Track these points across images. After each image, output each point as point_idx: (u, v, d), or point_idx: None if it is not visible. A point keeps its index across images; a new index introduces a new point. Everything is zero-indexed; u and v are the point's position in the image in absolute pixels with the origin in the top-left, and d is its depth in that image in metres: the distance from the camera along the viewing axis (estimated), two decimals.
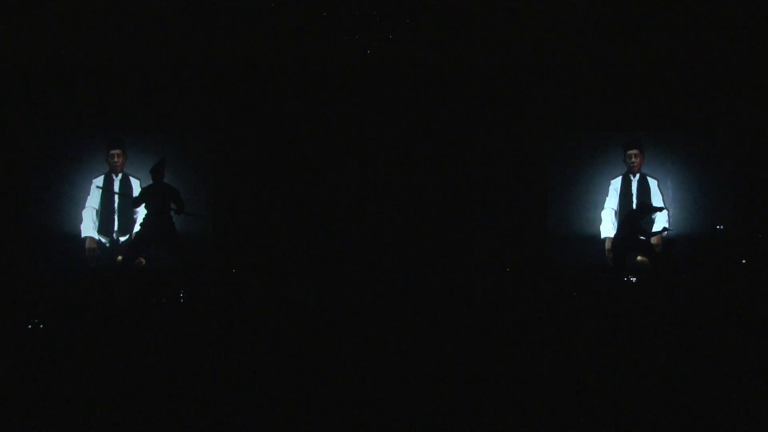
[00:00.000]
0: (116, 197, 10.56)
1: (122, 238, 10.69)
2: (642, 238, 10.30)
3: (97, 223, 10.69)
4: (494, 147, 10.64)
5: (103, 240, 10.69)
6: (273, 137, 10.67)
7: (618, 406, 4.55)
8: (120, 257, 10.49)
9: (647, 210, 10.55)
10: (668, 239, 9.88)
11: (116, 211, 10.70)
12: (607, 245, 10.66)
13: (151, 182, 10.09)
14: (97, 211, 10.69)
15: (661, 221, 10.60)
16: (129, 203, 10.43)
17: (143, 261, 10.63)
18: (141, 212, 10.30)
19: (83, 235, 10.65)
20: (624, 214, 10.62)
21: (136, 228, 10.28)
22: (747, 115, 10.49)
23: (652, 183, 10.67)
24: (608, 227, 10.70)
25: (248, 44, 9.95)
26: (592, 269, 9.88)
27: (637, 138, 10.72)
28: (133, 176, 10.76)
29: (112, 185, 10.73)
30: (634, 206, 10.63)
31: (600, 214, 10.73)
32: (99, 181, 10.74)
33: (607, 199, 10.74)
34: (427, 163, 10.67)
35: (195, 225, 10.45)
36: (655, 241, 10.49)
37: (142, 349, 5.19)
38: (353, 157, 10.62)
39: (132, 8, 9.21)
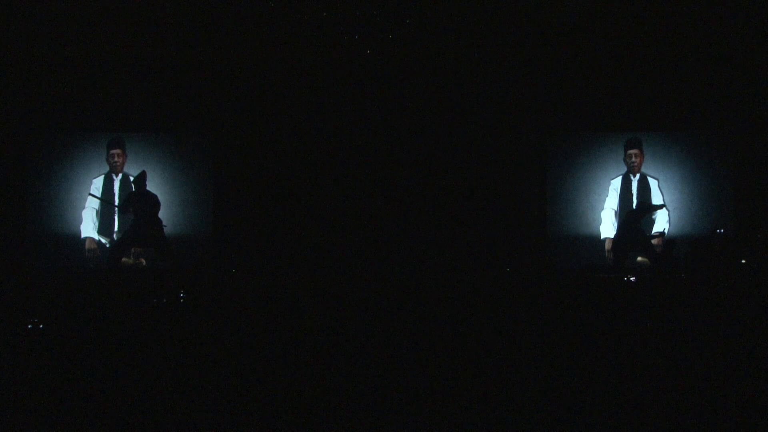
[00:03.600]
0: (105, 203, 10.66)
1: None
2: (642, 237, 10.32)
3: (97, 224, 10.69)
4: (494, 147, 10.64)
5: (103, 240, 10.69)
6: (273, 137, 10.67)
7: (618, 406, 4.54)
8: (125, 258, 10.63)
9: (647, 209, 10.55)
10: (668, 239, 9.88)
11: (116, 212, 10.71)
12: (607, 245, 10.66)
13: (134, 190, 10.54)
14: (97, 212, 10.69)
15: (661, 221, 10.61)
16: (114, 210, 10.62)
17: (144, 261, 10.66)
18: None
19: (83, 235, 10.66)
20: (624, 214, 10.63)
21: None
22: (747, 115, 10.49)
23: (653, 183, 10.68)
24: (608, 227, 10.70)
25: (248, 44, 9.95)
26: (592, 269, 9.88)
27: (637, 138, 10.73)
28: (133, 176, 10.76)
29: (113, 185, 10.74)
30: (635, 206, 10.63)
31: (600, 214, 10.74)
32: (99, 181, 10.75)
33: (607, 199, 10.74)
34: (426, 163, 10.67)
35: (194, 225, 10.56)
36: (655, 242, 10.49)
37: (142, 349, 5.18)
38: (353, 156, 10.62)
39: (132, 8, 9.22)
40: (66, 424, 4.40)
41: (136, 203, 10.52)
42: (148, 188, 10.62)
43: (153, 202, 10.53)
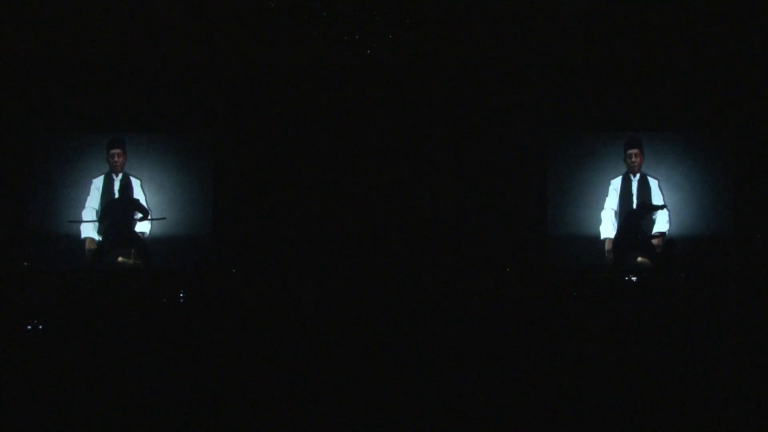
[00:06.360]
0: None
1: None
2: (642, 237, 10.33)
3: (97, 224, 10.69)
4: (494, 147, 10.65)
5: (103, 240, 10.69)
6: (273, 137, 10.68)
7: (618, 406, 4.54)
8: (123, 258, 10.65)
9: (648, 209, 10.56)
10: (668, 239, 9.90)
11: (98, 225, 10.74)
12: (607, 246, 10.66)
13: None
14: (97, 212, 10.70)
15: (661, 221, 10.61)
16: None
17: (142, 262, 10.66)
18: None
19: (83, 235, 10.66)
20: (624, 214, 10.63)
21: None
22: (747, 115, 10.50)
23: (653, 183, 10.68)
24: (608, 227, 10.70)
25: (248, 44, 9.95)
26: (592, 270, 9.88)
27: (637, 138, 10.73)
28: (133, 176, 10.77)
29: (113, 185, 10.75)
30: (635, 206, 10.64)
31: (600, 214, 10.74)
32: (99, 181, 10.74)
33: (607, 199, 10.74)
34: (427, 163, 10.68)
35: (194, 225, 10.60)
36: (656, 242, 10.50)
37: (142, 349, 5.18)
38: (353, 157, 10.63)
39: (132, 8, 9.21)
40: (66, 425, 4.40)
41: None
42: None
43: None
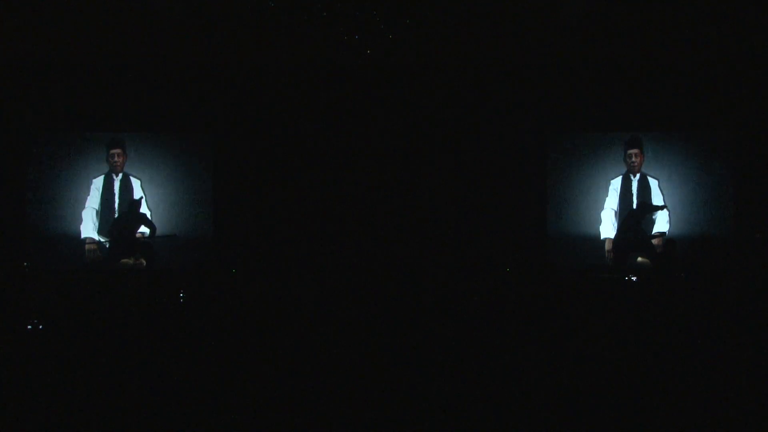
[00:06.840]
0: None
1: None
2: (642, 237, 10.33)
3: (97, 224, 10.70)
4: (494, 147, 10.65)
5: (103, 240, 10.70)
6: (273, 137, 10.68)
7: (618, 406, 4.54)
8: (124, 259, 10.70)
9: (648, 209, 10.56)
10: (668, 239, 9.90)
11: (116, 213, 10.73)
12: (607, 246, 10.66)
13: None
14: (97, 212, 10.70)
15: (661, 221, 10.61)
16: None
17: (144, 262, 10.67)
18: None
19: (83, 235, 10.66)
20: (624, 214, 10.64)
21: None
22: (747, 115, 10.50)
23: (653, 183, 10.68)
24: (608, 227, 10.70)
25: (248, 44, 9.95)
26: (592, 270, 9.88)
27: (637, 138, 10.74)
28: (133, 176, 10.77)
29: (113, 185, 10.76)
30: (635, 206, 10.64)
31: (600, 214, 10.74)
32: (99, 181, 10.74)
33: (607, 199, 10.74)
34: (426, 163, 10.67)
35: (194, 225, 10.60)
36: (656, 242, 10.50)
37: (142, 349, 5.18)
38: (353, 157, 10.63)
39: (132, 8, 9.21)
40: (66, 425, 4.40)
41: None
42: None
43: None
